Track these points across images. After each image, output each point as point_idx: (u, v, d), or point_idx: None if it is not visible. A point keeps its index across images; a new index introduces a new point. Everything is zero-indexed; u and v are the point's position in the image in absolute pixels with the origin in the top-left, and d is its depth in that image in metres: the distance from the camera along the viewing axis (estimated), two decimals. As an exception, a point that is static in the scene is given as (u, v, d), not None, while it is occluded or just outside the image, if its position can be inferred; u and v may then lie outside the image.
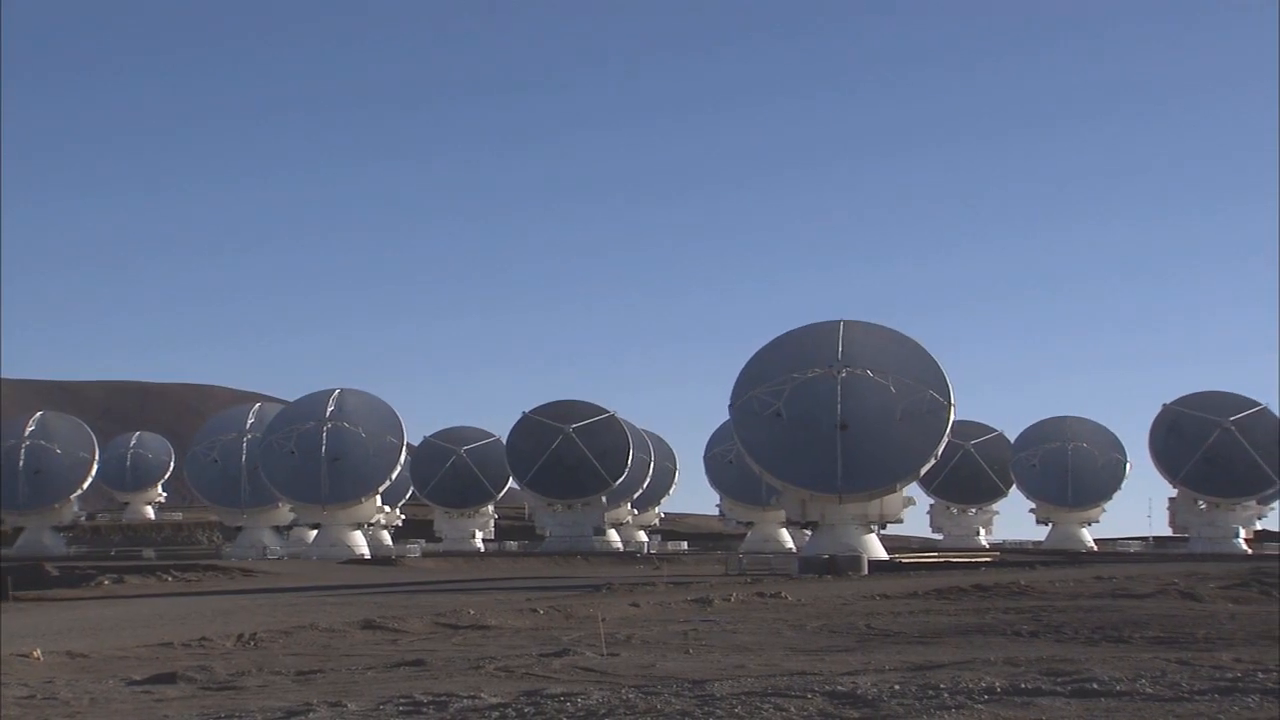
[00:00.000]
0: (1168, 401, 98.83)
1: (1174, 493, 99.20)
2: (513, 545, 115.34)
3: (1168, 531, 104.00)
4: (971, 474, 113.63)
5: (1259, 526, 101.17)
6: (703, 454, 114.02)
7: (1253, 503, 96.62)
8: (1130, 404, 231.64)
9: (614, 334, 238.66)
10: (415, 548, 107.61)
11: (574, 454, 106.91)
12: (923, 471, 78.66)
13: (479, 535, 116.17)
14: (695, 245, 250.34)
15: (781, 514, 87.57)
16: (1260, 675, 21.33)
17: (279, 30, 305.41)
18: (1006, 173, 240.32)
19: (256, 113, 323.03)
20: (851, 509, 74.37)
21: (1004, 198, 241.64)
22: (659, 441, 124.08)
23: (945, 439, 76.64)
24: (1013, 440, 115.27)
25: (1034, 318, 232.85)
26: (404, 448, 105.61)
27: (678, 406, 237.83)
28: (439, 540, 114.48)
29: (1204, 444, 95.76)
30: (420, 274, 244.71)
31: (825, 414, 74.89)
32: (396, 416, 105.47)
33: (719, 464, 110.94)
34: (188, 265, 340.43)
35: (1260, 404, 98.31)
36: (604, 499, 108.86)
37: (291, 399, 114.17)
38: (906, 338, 78.03)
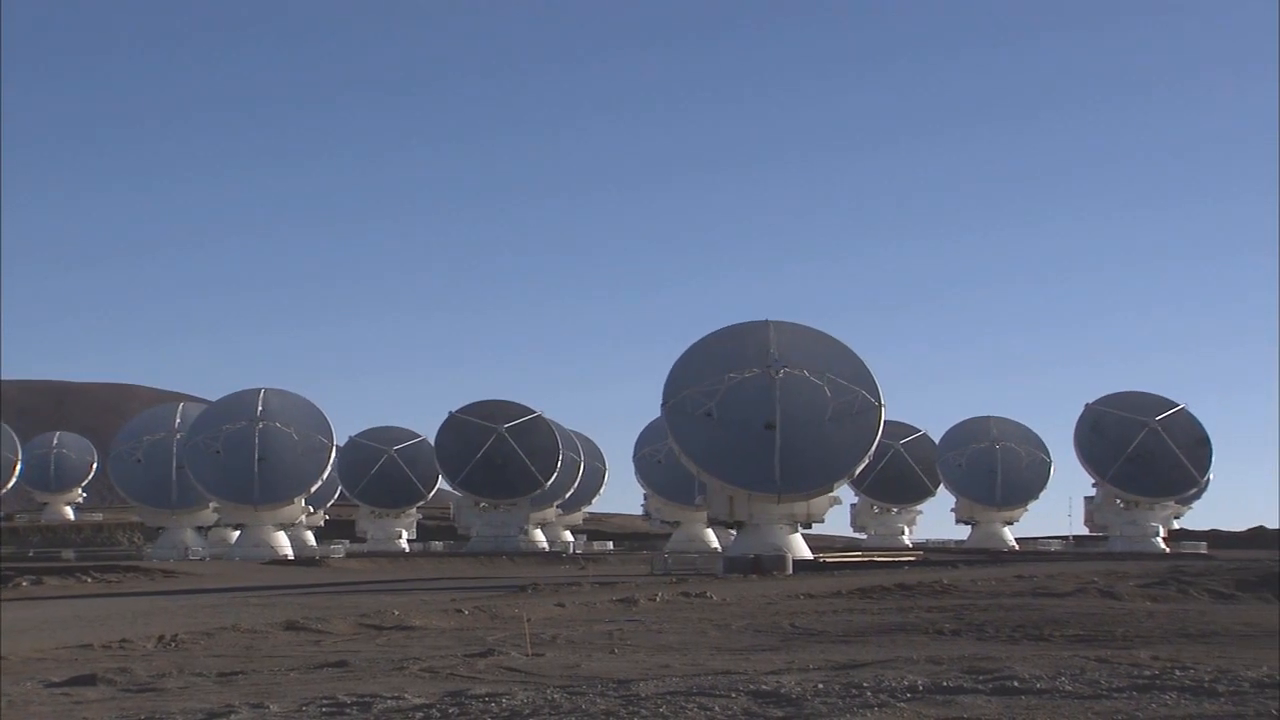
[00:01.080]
0: (1089, 401, 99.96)
1: (1091, 492, 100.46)
2: (438, 545, 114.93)
3: (1085, 530, 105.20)
4: (900, 473, 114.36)
5: (1176, 525, 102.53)
6: (631, 454, 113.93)
7: (1171, 502, 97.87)
8: (1045, 403, 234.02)
9: (535, 334, 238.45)
10: (339, 548, 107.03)
11: (505, 454, 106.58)
12: (857, 471, 79.18)
13: (404, 536, 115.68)
14: (618, 245, 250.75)
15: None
16: (1178, 673, 21.62)
17: (187, 35, 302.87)
18: (926, 174, 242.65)
19: (170, 111, 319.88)
20: (779, 509, 74.62)
21: (921, 198, 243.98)
22: (586, 441, 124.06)
23: (878, 439, 77.38)
24: (936, 440, 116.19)
25: (949, 318, 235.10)
26: (334, 448, 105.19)
27: (599, 407, 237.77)
28: (362, 541, 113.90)
29: (1129, 443, 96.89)
30: (337, 274, 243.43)
31: (759, 414, 75.14)
32: (324, 416, 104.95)
33: (648, 464, 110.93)
34: (104, 264, 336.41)
35: (1179, 404, 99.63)
36: (531, 500, 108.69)
37: (212, 398, 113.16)
38: (832, 338, 78.43)
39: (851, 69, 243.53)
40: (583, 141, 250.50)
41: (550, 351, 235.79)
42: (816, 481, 75.62)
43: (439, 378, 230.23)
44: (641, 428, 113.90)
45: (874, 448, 77.02)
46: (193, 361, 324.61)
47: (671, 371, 75.47)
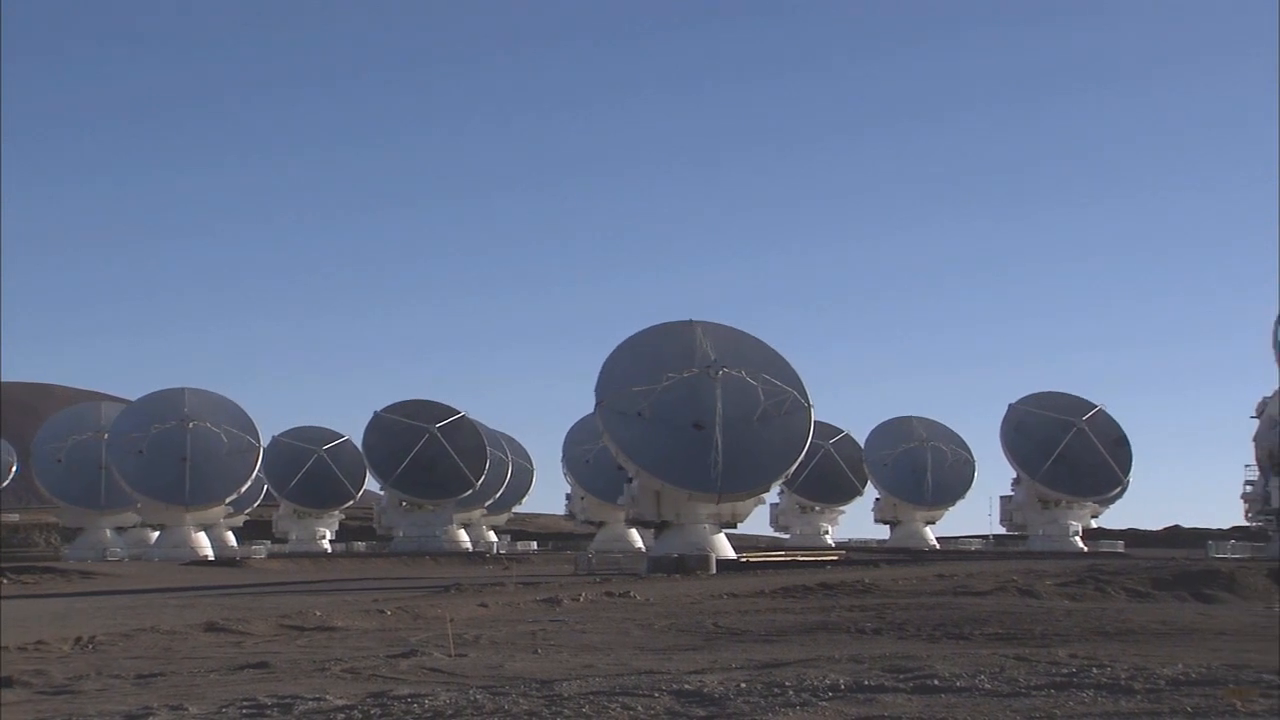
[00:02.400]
0: (1012, 401, 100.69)
1: (1008, 491, 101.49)
2: (360, 546, 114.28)
3: (1001, 530, 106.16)
4: (829, 473, 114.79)
5: (1094, 525, 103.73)
6: (555, 454, 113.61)
7: (1090, 502, 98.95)
8: (960, 403, 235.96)
9: (450, 333, 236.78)
10: (261, 549, 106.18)
11: (435, 454, 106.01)
12: (791, 470, 79.59)
13: (326, 536, 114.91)
14: (534, 245, 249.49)
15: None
16: (1095, 671, 21.87)
17: (113, 35, 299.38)
18: (844, 176, 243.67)
19: (88, 110, 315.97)
20: (705, 509, 74.81)
21: (838, 201, 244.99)
22: (510, 441, 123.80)
23: (810, 439, 77.99)
24: (857, 439, 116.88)
25: (865, 318, 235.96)
26: (261, 449, 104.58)
27: (519, 406, 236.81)
28: (283, 541, 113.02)
29: (1054, 443, 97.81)
30: (252, 273, 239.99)
31: (694, 414, 75.27)
32: (248, 416, 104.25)
33: (578, 463, 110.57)
34: (16, 263, 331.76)
35: (1097, 405, 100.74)
36: (462, 501, 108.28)
37: (130, 397, 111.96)
38: (755, 338, 78.68)
39: (776, 70, 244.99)
40: (506, 140, 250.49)
41: (467, 350, 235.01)
42: (754, 481, 76.26)
43: (353, 377, 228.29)
44: (560, 427, 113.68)
45: (806, 448, 77.68)
46: (109, 360, 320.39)
47: (603, 371, 75.21)
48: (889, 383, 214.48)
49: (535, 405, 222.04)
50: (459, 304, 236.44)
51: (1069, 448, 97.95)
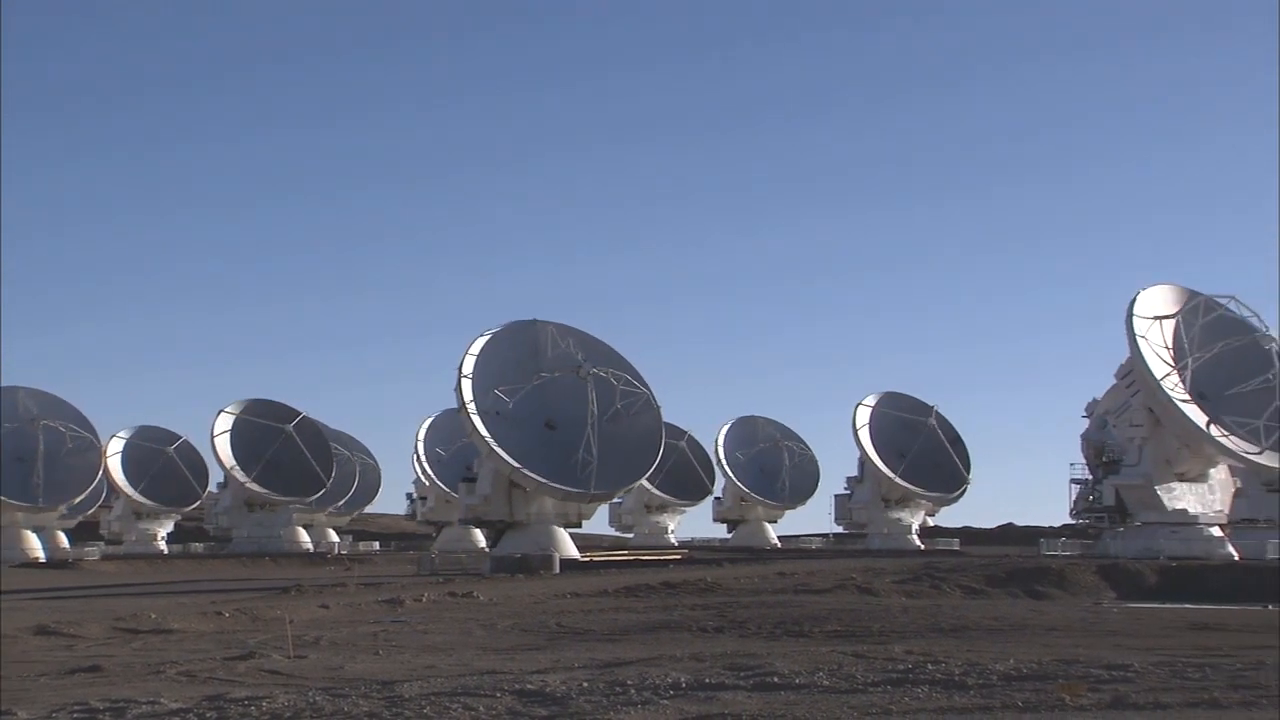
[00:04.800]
0: (860, 401, 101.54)
1: (841, 490, 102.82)
2: (198, 547, 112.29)
3: (839, 528, 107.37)
4: (682, 471, 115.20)
5: (930, 523, 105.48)
6: (400, 452, 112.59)
7: (925, 500, 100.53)
8: (796, 402, 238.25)
9: (282, 332, 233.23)
10: (94, 550, 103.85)
11: (288, 453, 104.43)
12: (651, 469, 79.97)
13: (161, 537, 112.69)
14: (371, 244, 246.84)
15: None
16: (930, 667, 22.30)
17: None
18: (680, 176, 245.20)
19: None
20: (555, 507, 74.75)
21: (669, 202, 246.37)
22: (352, 441, 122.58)
23: (663, 438, 78.62)
24: (699, 439, 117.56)
25: (701, 317, 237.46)
26: (103, 448, 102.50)
27: (358, 406, 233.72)
28: (118, 543, 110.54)
29: (902, 441, 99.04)
30: (69, 273, 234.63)
31: (554, 414, 75.11)
32: (84, 416, 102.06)
33: (432, 462, 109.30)
34: None
35: (932, 405, 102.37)
36: (317, 500, 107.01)
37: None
38: (596, 338, 78.71)
39: (616, 69, 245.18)
40: (348, 138, 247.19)
41: (293, 351, 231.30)
42: (624, 480, 76.72)
43: (176, 377, 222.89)
44: (391, 427, 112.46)
45: (662, 447, 78.30)
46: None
47: (461, 370, 74.27)
48: (716, 383, 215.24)
49: (368, 405, 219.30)
50: (285, 305, 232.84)
51: (923, 446, 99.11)
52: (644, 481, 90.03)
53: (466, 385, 73.37)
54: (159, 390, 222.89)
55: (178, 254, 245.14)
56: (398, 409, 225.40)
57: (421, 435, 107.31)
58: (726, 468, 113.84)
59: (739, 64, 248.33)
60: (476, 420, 72.58)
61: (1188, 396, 67.83)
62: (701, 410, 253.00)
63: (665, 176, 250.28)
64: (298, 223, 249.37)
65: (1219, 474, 71.03)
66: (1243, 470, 75.61)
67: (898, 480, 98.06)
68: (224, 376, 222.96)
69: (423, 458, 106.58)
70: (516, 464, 72.07)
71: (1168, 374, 67.79)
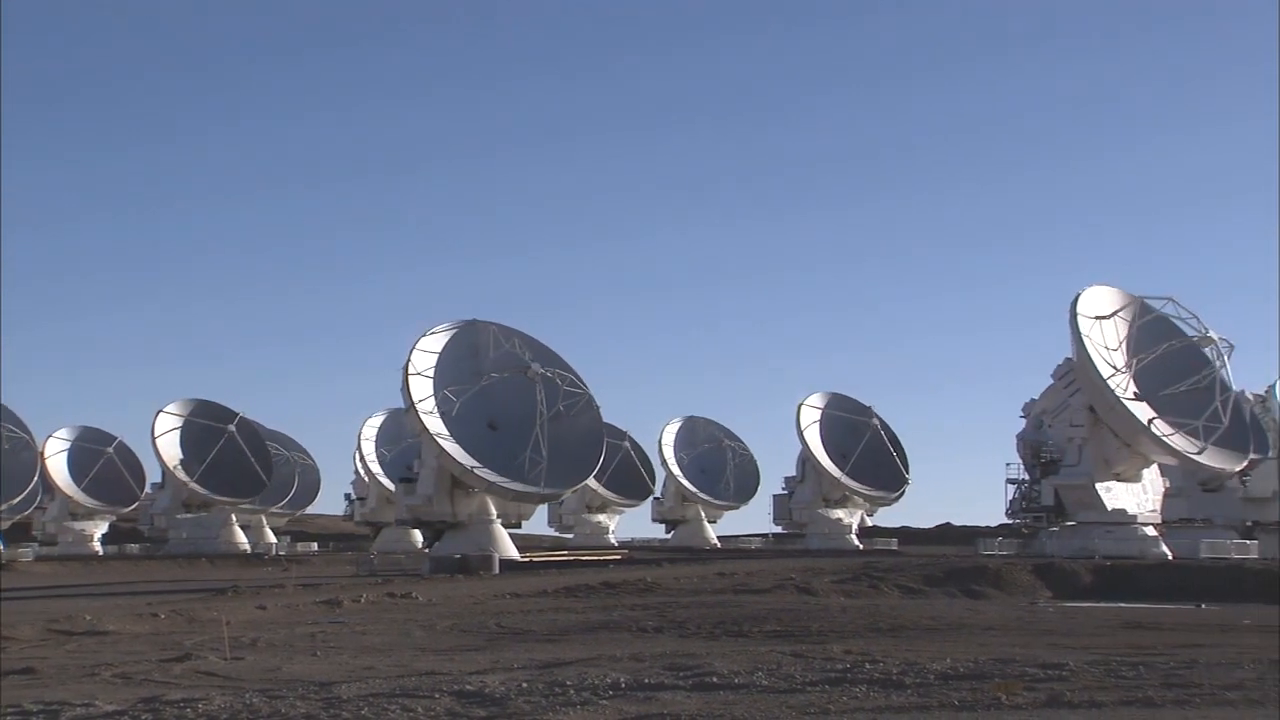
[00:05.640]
0: (807, 401, 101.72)
1: (780, 489, 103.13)
2: (134, 548, 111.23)
3: (777, 528, 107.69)
4: (625, 471, 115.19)
5: (869, 523, 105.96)
6: (355, 450, 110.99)
7: (862, 501, 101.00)
8: (730, 403, 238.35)
9: (207, 333, 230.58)
10: (28, 551, 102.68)
11: (230, 454, 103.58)
12: (597, 467, 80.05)
13: (96, 538, 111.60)
14: (294, 243, 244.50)
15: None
16: (868, 666, 22.44)
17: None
18: (608, 174, 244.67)
19: None
20: (498, 507, 74.64)
21: (602, 200, 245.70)
22: (289, 441, 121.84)
23: (605, 438, 78.74)
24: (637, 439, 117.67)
25: (631, 317, 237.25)
26: (40, 449, 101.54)
27: (288, 407, 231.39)
28: (52, 544, 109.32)
29: (843, 441, 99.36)
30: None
31: (504, 414, 74.92)
32: (17, 416, 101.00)
33: (380, 461, 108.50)
34: None
35: (869, 405, 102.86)
36: (260, 500, 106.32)
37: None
38: (535, 339, 78.61)
39: (555, 68, 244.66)
40: (287, 134, 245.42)
41: (234, 350, 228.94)
42: (572, 479, 76.67)
43: (107, 377, 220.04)
44: (334, 427, 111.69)
45: (604, 446, 78.43)
46: None
47: (408, 369, 73.82)
48: (646, 383, 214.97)
49: (300, 406, 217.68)
50: (213, 304, 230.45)
51: (867, 446, 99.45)
52: (591, 481, 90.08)
53: (415, 383, 73.07)
54: (84, 390, 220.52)
55: (102, 255, 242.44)
56: (331, 409, 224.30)
57: (371, 435, 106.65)
58: (673, 467, 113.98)
59: (677, 63, 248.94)
60: (427, 420, 72.32)
61: (1133, 396, 68.50)
62: (631, 410, 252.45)
63: (602, 175, 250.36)
64: (225, 221, 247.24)
65: (1150, 474, 71.82)
66: (1175, 470, 76.51)
67: (845, 480, 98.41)
68: (148, 377, 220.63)
69: (367, 456, 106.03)
70: (472, 464, 72.01)
71: (1114, 374, 68.40)
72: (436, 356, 75.18)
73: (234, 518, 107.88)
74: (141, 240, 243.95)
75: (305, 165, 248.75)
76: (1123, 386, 68.46)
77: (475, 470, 72.01)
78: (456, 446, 72.46)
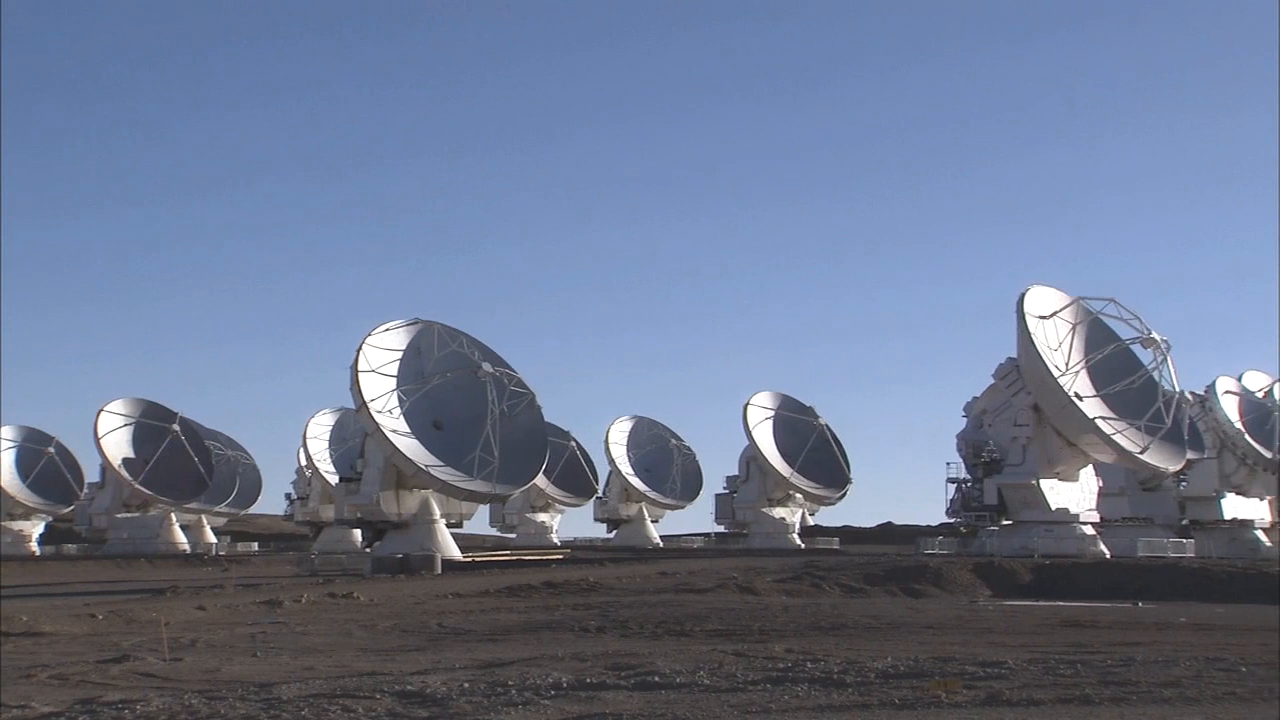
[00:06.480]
0: (754, 401, 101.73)
1: (721, 489, 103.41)
2: (72, 549, 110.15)
3: (719, 527, 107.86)
4: (571, 470, 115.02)
5: (811, 522, 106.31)
6: (301, 447, 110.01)
7: (804, 500, 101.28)
8: (672, 402, 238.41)
9: (142, 332, 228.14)
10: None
11: (171, 454, 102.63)
12: (543, 466, 79.96)
13: (33, 538, 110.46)
14: (228, 243, 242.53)
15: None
16: (809, 665, 22.53)
17: None
18: (549, 173, 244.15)
19: None
20: (442, 506, 74.40)
21: (540, 199, 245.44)
22: (229, 441, 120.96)
23: (547, 436, 78.72)
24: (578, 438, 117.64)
25: (568, 317, 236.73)
26: None
27: (231, 405, 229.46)
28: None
29: (794, 441, 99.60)
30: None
31: (448, 413, 74.66)
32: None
33: (327, 461, 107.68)
34: None
35: (809, 406, 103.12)
36: (204, 499, 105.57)
37: None
38: (478, 339, 78.40)
39: (489, 69, 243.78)
40: (223, 133, 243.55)
41: (169, 349, 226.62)
42: (523, 478, 76.52)
43: (38, 377, 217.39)
44: (273, 426, 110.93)
45: (547, 445, 78.39)
46: None
47: (356, 368, 73.32)
48: (583, 383, 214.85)
49: (237, 405, 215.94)
50: (148, 304, 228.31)
51: (814, 446, 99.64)
52: (540, 480, 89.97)
53: (365, 381, 72.72)
54: (11, 390, 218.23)
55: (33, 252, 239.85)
56: (266, 409, 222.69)
57: (317, 432, 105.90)
58: (621, 466, 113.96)
59: (618, 62, 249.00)
60: (380, 419, 72.03)
61: (1081, 394, 69.08)
62: (565, 410, 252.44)
63: (535, 175, 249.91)
64: (145, 225, 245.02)
65: (1086, 474, 72.45)
66: (1114, 470, 77.23)
67: (795, 479, 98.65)
68: (74, 376, 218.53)
69: (314, 455, 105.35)
70: (427, 463, 71.80)
71: (1064, 373, 68.94)
72: (385, 355, 74.92)
73: (174, 518, 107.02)
74: (74, 240, 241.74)
75: (240, 165, 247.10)
76: (1070, 386, 69.04)
77: (430, 469, 71.80)
78: (415, 444, 72.27)
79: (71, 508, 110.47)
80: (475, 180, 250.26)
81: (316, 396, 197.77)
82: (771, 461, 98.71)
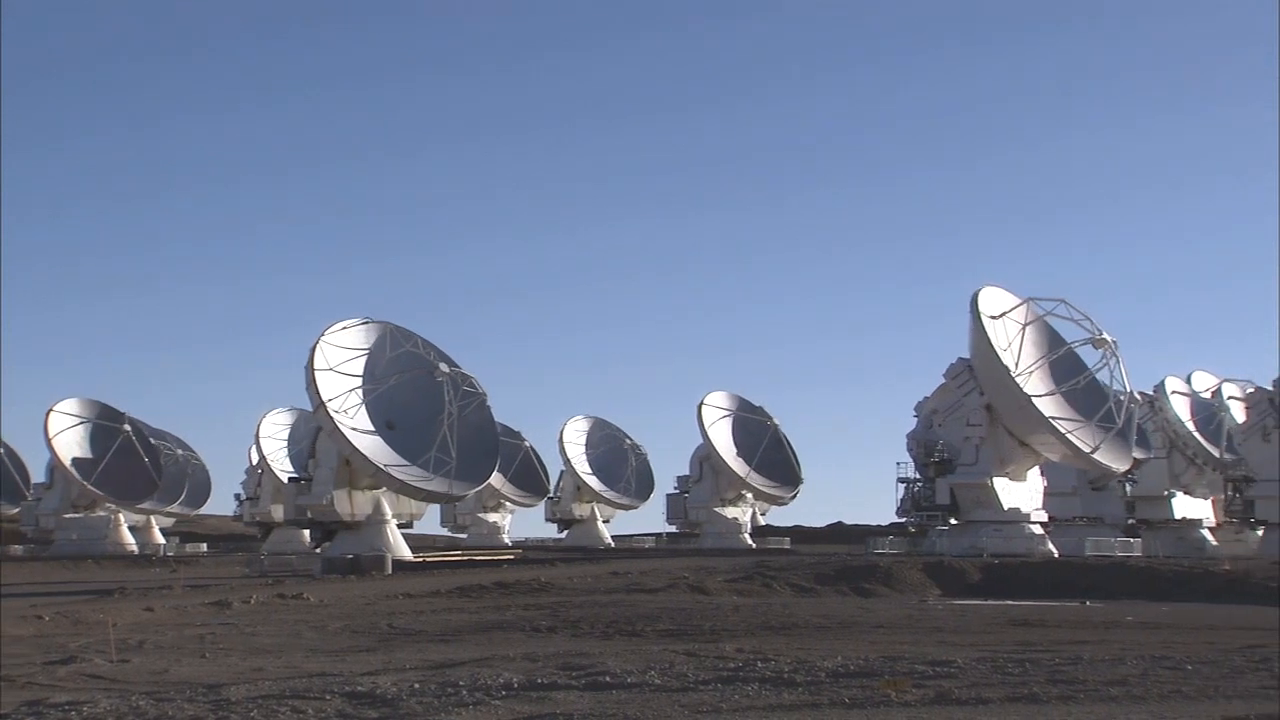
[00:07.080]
0: (708, 401, 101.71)
1: (672, 489, 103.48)
2: (18, 550, 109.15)
3: (671, 527, 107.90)
4: (525, 470, 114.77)
5: (762, 522, 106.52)
6: (253, 445, 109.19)
7: (754, 500, 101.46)
8: (624, 401, 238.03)
9: (86, 332, 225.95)
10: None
11: (120, 454, 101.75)
12: (496, 466, 79.85)
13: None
14: (187, 243, 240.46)
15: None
16: (760, 664, 22.60)
17: None
18: (512, 171, 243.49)
19: None
20: (394, 507, 74.17)
21: (507, 197, 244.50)
22: (177, 440, 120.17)
23: (498, 436, 78.68)
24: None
25: (514, 317, 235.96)
26: None
27: (173, 406, 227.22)
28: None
29: (748, 441, 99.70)
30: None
31: (401, 414, 74.40)
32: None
33: (281, 460, 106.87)
34: None
35: (759, 406, 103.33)
36: (156, 500, 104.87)
37: None
38: (430, 340, 78.19)
39: (440, 70, 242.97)
40: (166, 135, 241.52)
41: (109, 349, 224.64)
42: (481, 476, 76.39)
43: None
44: (221, 427, 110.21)
45: (499, 445, 78.35)
46: None
47: (313, 367, 72.83)
48: (529, 383, 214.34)
49: (184, 406, 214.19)
50: (94, 303, 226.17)
51: (768, 446, 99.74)
52: (495, 479, 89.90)
53: (322, 379, 72.35)
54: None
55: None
56: (213, 409, 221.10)
57: (270, 431, 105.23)
58: (577, 465, 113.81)
59: (566, 63, 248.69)
60: (339, 418, 71.71)
61: (1032, 394, 69.39)
62: (514, 410, 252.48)
63: (487, 177, 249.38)
64: (106, 222, 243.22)
65: (1033, 473, 72.93)
66: (1063, 469, 77.73)
67: (752, 478, 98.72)
68: (25, 376, 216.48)
69: (268, 454, 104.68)
70: (387, 462, 71.58)
71: (1019, 373, 69.29)
72: (341, 354, 74.60)
73: (122, 518, 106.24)
74: (20, 240, 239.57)
75: (186, 166, 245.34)
76: (1024, 385, 69.43)
77: (389, 470, 71.56)
78: (379, 441, 72.02)
79: (18, 509, 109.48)
80: (426, 181, 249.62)
81: (266, 396, 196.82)
82: (728, 461, 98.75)
